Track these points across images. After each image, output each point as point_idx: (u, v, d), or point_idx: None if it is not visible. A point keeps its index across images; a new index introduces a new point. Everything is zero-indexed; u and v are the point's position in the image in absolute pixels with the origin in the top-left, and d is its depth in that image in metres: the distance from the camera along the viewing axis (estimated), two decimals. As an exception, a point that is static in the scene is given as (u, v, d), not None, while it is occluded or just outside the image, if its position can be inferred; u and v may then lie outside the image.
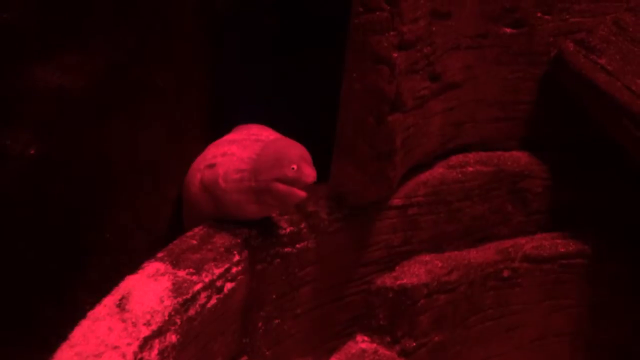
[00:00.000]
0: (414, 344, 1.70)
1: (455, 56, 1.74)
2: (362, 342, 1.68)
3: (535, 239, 1.91)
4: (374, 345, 1.67)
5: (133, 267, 1.32)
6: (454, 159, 1.85)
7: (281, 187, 1.40)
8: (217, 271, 1.36)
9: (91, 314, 1.15)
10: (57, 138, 1.29)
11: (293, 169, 1.39)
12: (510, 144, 1.93)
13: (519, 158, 1.92)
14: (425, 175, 1.80)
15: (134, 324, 1.15)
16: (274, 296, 1.54)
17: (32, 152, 1.24)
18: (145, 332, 1.15)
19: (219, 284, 1.36)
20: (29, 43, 1.24)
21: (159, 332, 1.18)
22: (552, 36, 1.85)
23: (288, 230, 1.54)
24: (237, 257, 1.41)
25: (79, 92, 1.31)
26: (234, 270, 1.40)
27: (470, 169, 1.85)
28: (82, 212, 1.37)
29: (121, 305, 1.18)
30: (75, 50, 1.30)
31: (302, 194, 1.41)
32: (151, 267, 1.33)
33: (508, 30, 1.82)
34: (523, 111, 1.90)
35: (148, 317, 1.18)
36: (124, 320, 1.15)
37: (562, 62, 1.84)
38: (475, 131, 1.89)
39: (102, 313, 1.15)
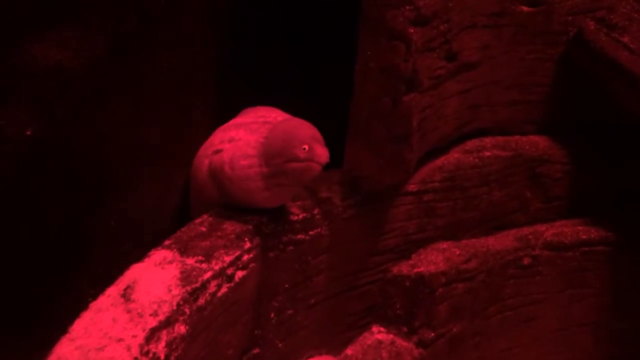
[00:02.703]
0: (432, 335, 1.65)
1: (471, 35, 1.68)
2: (378, 333, 1.63)
3: (556, 225, 1.86)
4: (391, 336, 1.62)
5: (139, 256, 1.25)
6: (470, 144, 1.80)
7: (295, 164, 1.35)
8: (228, 259, 1.31)
9: (93, 305, 1.08)
10: (56, 119, 1.22)
11: (304, 149, 1.34)
12: (528, 127, 1.88)
13: (537, 142, 1.86)
14: (440, 160, 1.74)
15: (140, 315, 1.08)
16: (286, 285, 1.49)
17: (28, 133, 1.17)
18: (152, 323, 1.09)
19: (229, 272, 1.31)
20: (25, 17, 1.16)
21: (167, 323, 1.11)
22: (571, 15, 1.81)
23: (301, 216, 1.49)
24: (248, 244, 1.36)
25: (78, 70, 1.24)
26: (245, 257, 1.35)
27: (487, 153, 1.79)
28: (83, 199, 1.29)
29: (126, 295, 1.11)
30: (74, 26, 1.23)
31: (318, 166, 1.35)
32: (158, 255, 1.26)
33: (525, 8, 1.77)
34: (541, 94, 1.86)
35: (155, 307, 1.12)
36: (129, 311, 1.07)
37: (582, 42, 1.79)
38: (491, 114, 1.83)
39: (106, 304, 1.08)
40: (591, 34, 1.77)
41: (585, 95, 1.85)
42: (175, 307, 1.14)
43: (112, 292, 1.11)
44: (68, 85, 1.22)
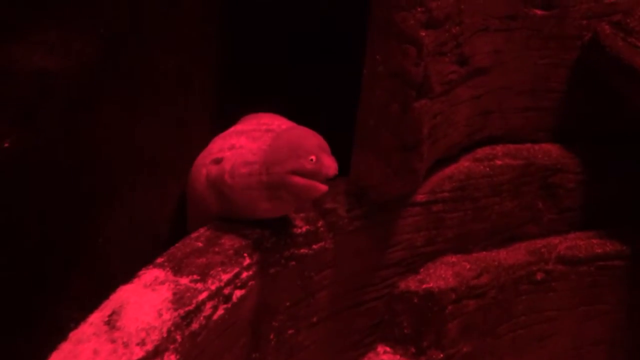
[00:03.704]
0: (442, 355, 1.55)
1: (483, 39, 1.60)
2: (384, 354, 1.54)
3: (569, 238, 1.77)
4: (397, 356, 1.53)
5: (129, 276, 1.13)
6: (481, 152, 1.71)
7: (298, 180, 1.24)
8: (225, 277, 1.21)
9: (73, 336, 0.96)
10: (38, 128, 1.10)
11: (311, 160, 1.24)
12: (540, 135, 1.80)
13: (550, 151, 1.78)
14: (450, 169, 1.65)
15: (125, 345, 0.96)
16: (287, 303, 1.39)
17: (6, 145, 1.06)
18: (139, 353, 0.97)
19: (226, 291, 1.21)
20: (5, 16, 1.05)
21: (155, 353, 1.00)
22: (586, 18, 1.73)
23: (304, 229, 1.39)
24: (247, 261, 1.27)
25: (64, 75, 1.12)
26: (244, 275, 1.26)
27: (499, 162, 1.71)
28: (68, 214, 1.17)
29: (111, 323, 0.99)
30: (61, 26, 1.11)
31: (323, 187, 1.25)
32: (149, 274, 1.15)
33: (538, 11, 1.68)
34: (554, 100, 1.77)
35: (143, 335, 1.00)
36: (113, 341, 0.96)
37: (597, 46, 1.70)
38: (503, 122, 1.74)
39: (87, 333, 0.96)
40: (607, 38, 1.68)
41: (600, 102, 1.76)
42: (165, 335, 1.02)
43: (95, 319, 0.99)
44: (53, 91, 1.11)
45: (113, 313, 1.00)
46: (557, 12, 1.69)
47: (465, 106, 1.61)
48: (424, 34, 1.36)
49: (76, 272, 1.21)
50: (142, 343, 0.97)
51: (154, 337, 1.00)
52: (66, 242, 1.18)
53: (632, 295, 1.75)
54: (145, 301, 1.06)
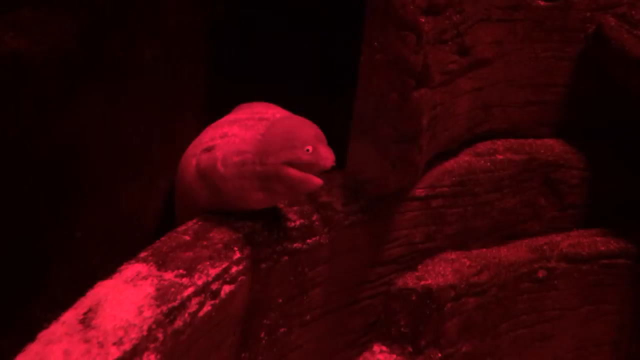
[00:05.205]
0: (440, 355, 1.47)
1: (485, 29, 1.54)
2: (380, 353, 1.45)
3: (572, 236, 1.70)
4: (394, 356, 1.45)
5: (111, 272, 1.04)
6: (482, 146, 1.66)
7: (293, 172, 1.18)
8: (213, 272, 1.14)
9: (43, 336, 0.87)
10: (11, 115, 1.01)
11: (308, 150, 1.18)
12: (543, 130, 1.74)
13: (552, 146, 1.72)
14: (450, 164, 1.59)
15: (101, 345, 0.88)
16: (279, 300, 1.33)
17: None
18: (115, 354, 0.89)
19: (214, 287, 1.13)
20: None
21: (133, 353, 0.92)
22: (590, 10, 1.68)
23: (298, 223, 1.34)
24: (237, 255, 1.20)
25: (40, 58, 1.04)
26: (234, 270, 1.19)
27: (500, 157, 1.65)
28: (44, 207, 1.09)
29: (86, 321, 0.91)
30: (36, 6, 1.03)
31: (318, 181, 1.19)
32: (131, 269, 1.07)
33: (542, 2, 1.63)
34: (557, 94, 1.72)
35: (120, 333, 0.92)
36: (87, 341, 0.87)
37: (601, 39, 1.65)
38: (504, 115, 1.69)
39: (59, 333, 0.88)
40: (611, 31, 1.63)
41: (605, 96, 1.71)
42: (145, 333, 0.94)
43: (69, 317, 0.90)
44: (27, 75, 1.02)
45: (89, 310, 0.92)
46: (561, 4, 1.63)
47: (466, 98, 1.55)
48: (423, 20, 1.30)
49: (52, 269, 1.12)
50: (119, 342, 0.89)
51: (133, 336, 0.92)
52: (41, 237, 1.09)
53: (637, 295, 1.69)
54: (125, 297, 0.98)
